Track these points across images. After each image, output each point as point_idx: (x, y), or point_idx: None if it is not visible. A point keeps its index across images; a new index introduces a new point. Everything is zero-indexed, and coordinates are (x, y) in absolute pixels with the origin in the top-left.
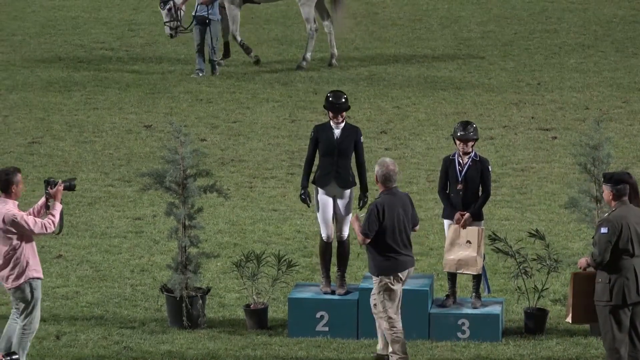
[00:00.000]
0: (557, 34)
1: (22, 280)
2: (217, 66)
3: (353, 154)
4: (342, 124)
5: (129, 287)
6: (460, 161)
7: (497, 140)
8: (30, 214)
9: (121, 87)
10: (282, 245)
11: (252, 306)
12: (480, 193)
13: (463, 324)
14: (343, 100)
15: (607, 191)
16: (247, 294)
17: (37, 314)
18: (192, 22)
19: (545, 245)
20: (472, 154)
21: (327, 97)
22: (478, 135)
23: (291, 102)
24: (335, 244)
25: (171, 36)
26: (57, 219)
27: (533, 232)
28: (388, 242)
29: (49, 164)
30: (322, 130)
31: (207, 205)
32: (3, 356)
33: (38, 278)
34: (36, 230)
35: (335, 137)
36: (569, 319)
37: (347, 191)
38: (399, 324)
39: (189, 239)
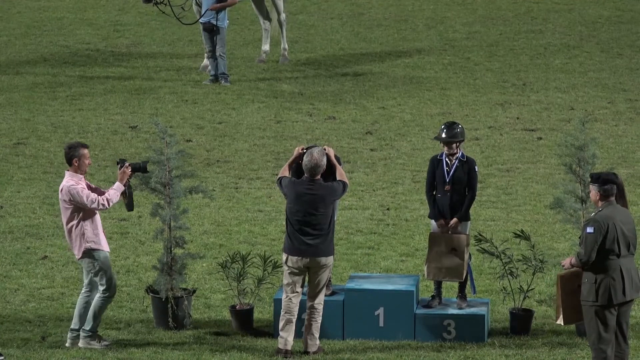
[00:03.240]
0: (543, 34)
1: (82, 251)
2: (227, 78)
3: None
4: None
5: None
6: (448, 162)
7: (483, 140)
8: (100, 193)
9: (106, 88)
10: (267, 246)
11: (237, 307)
12: (466, 193)
13: (449, 324)
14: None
15: (594, 191)
16: (232, 294)
17: (109, 282)
18: (195, 22)
19: (530, 245)
20: (459, 154)
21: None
22: (464, 136)
23: (276, 102)
24: None
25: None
26: (113, 197)
27: (518, 232)
28: (288, 224)
29: (34, 165)
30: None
31: (192, 206)
32: None
33: (97, 249)
34: (89, 204)
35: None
36: (559, 321)
37: None
38: (292, 305)
39: (174, 240)
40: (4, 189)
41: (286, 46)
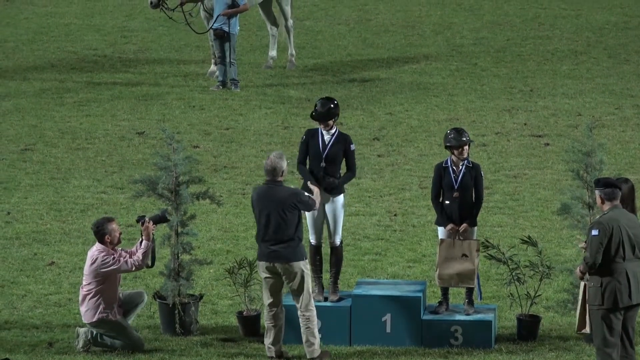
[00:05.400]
0: (550, 40)
1: (94, 319)
2: (237, 84)
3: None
4: (333, 131)
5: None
6: (455, 168)
7: (490, 146)
8: (130, 254)
9: (114, 94)
10: None
11: (244, 313)
12: (473, 199)
13: (456, 330)
14: (331, 106)
15: (597, 195)
16: (239, 300)
17: (128, 339)
18: (207, 31)
19: (537, 251)
20: (466, 160)
21: (315, 105)
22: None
23: (284, 108)
24: (327, 251)
25: (152, 4)
26: (143, 258)
27: (526, 238)
28: (258, 231)
29: (41, 171)
30: (313, 135)
31: (199, 212)
32: None
33: (109, 320)
34: (122, 268)
35: (324, 144)
36: (586, 330)
37: (337, 198)
38: (270, 314)
39: (181, 246)
40: (11, 195)
41: (293, 52)
